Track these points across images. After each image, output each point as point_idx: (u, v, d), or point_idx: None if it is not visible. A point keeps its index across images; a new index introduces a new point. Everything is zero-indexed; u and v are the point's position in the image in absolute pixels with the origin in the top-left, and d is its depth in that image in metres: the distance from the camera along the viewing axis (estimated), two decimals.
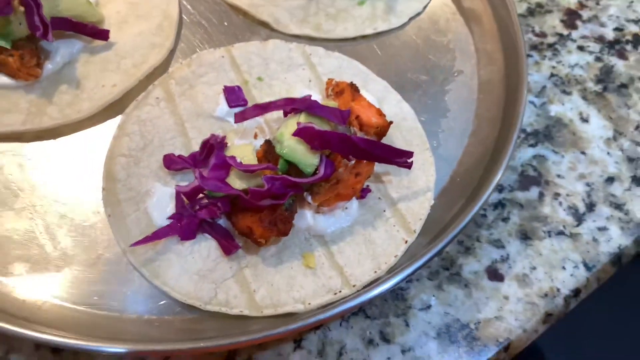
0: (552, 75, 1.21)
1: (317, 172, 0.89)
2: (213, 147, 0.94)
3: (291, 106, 0.96)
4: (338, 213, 0.94)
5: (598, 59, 1.24)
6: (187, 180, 0.97)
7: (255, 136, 1.02)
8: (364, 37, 1.19)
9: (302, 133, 0.90)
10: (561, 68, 1.22)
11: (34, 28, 0.99)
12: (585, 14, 1.31)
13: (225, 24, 1.17)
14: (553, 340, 0.87)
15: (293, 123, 0.93)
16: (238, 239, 0.91)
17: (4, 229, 0.92)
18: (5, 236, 0.92)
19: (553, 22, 1.29)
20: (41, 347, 0.87)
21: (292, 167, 0.91)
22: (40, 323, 0.83)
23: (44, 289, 0.88)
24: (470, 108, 1.12)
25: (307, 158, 0.89)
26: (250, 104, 1.05)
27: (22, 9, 0.99)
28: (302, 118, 0.93)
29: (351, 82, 1.03)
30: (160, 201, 0.94)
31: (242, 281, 0.88)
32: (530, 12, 1.30)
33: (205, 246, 0.91)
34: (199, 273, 0.89)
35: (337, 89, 1.04)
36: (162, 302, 0.88)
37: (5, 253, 0.90)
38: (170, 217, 0.91)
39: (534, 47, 1.25)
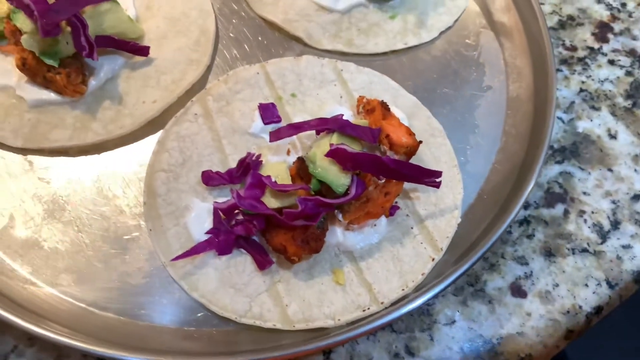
0: (581, 90, 1.22)
1: (349, 192, 0.93)
2: (249, 165, 0.98)
3: (324, 126, 0.99)
4: (367, 230, 0.98)
5: (629, 74, 1.24)
6: (224, 195, 1.01)
7: (288, 152, 1.06)
8: (394, 51, 1.22)
9: (334, 154, 0.93)
10: (590, 83, 1.23)
11: (80, 48, 1.04)
12: (617, 26, 1.30)
13: (260, 38, 1.21)
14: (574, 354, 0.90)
15: (325, 143, 0.97)
16: (272, 254, 0.96)
17: (53, 241, 0.98)
18: (54, 248, 0.98)
19: (584, 35, 1.29)
20: (88, 356, 0.93)
21: (324, 186, 0.95)
22: (85, 333, 0.89)
23: (89, 300, 0.94)
24: (499, 124, 1.14)
25: (339, 178, 0.93)
26: (283, 120, 1.09)
27: (68, 29, 1.04)
28: (334, 139, 0.96)
29: (382, 101, 1.06)
30: (199, 216, 0.99)
31: (275, 295, 0.93)
32: (562, 25, 1.31)
33: (241, 261, 0.96)
34: (234, 287, 0.94)
35: (368, 107, 1.07)
36: (200, 315, 0.93)
37: (54, 265, 0.97)
38: (208, 232, 0.96)
39: (564, 61, 1.26)
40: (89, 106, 1.09)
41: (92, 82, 1.10)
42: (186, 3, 1.21)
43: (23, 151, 1.06)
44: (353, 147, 0.96)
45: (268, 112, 1.09)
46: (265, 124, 1.08)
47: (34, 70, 1.05)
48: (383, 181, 0.97)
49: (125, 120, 1.08)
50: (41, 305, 0.93)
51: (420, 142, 1.01)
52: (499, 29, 1.25)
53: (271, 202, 0.93)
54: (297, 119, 1.10)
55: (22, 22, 1.02)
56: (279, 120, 1.09)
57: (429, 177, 0.96)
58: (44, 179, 1.04)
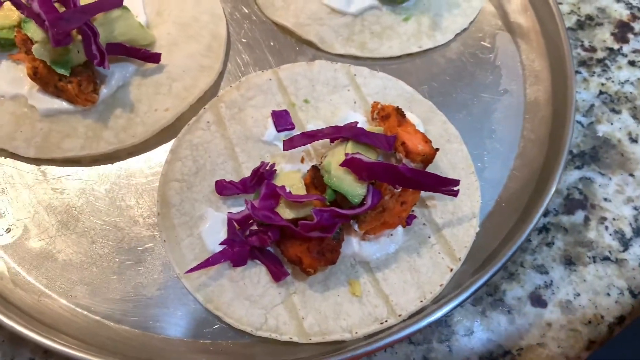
0: (600, 92, 1.19)
1: (365, 202, 0.91)
2: (263, 175, 0.97)
3: (338, 134, 0.98)
4: (383, 239, 0.97)
5: None
6: (238, 204, 1.00)
7: (302, 160, 1.04)
8: (408, 55, 1.20)
9: (349, 164, 0.92)
10: (610, 85, 1.20)
11: (91, 57, 1.03)
12: (637, 26, 1.27)
13: (272, 43, 1.19)
14: None
15: (340, 151, 0.95)
16: (287, 266, 0.94)
17: (67, 252, 0.98)
18: (68, 259, 0.97)
19: (603, 36, 1.26)
20: None
21: (339, 195, 0.94)
22: (100, 346, 0.89)
23: (103, 313, 0.94)
24: (516, 129, 1.12)
25: (354, 188, 0.91)
26: (297, 127, 1.08)
27: (79, 37, 1.03)
28: (349, 147, 0.95)
29: (397, 107, 1.04)
30: (213, 227, 0.98)
31: (291, 307, 0.92)
32: (580, 26, 1.28)
33: (256, 272, 0.95)
34: (249, 298, 0.93)
35: (383, 113, 1.05)
36: (215, 327, 0.92)
37: (68, 277, 0.96)
38: (222, 243, 0.95)
39: (583, 62, 1.23)
40: (101, 114, 1.08)
41: (104, 91, 1.09)
42: (197, 7, 1.19)
43: (36, 161, 1.05)
44: (368, 156, 0.94)
45: (281, 120, 1.07)
46: (279, 131, 1.07)
47: (46, 79, 1.04)
48: (399, 190, 0.95)
49: (137, 129, 1.07)
50: (56, 318, 0.93)
51: (437, 149, 0.99)
52: (515, 31, 1.23)
53: (286, 212, 0.92)
54: (311, 125, 1.08)
55: (33, 31, 1.01)
56: (292, 128, 1.08)
57: (447, 186, 0.94)
58: (57, 189, 1.03)
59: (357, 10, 1.21)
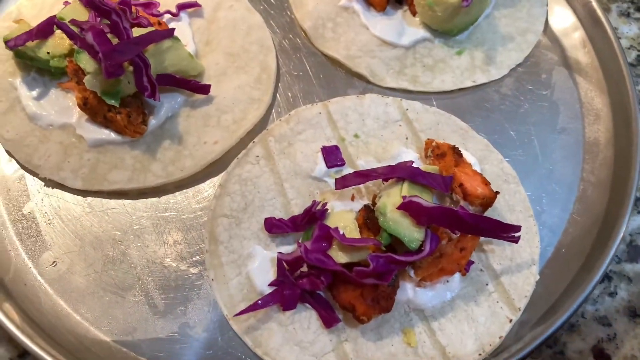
0: None
1: (423, 248, 0.87)
2: (315, 215, 0.94)
3: (393, 175, 0.95)
4: (439, 286, 0.93)
5: None
6: (287, 242, 0.97)
7: (353, 198, 1.01)
8: (461, 89, 1.16)
9: (407, 207, 0.88)
10: None
11: (142, 88, 1.01)
12: None
13: (321, 76, 1.16)
14: None
15: (395, 193, 0.92)
16: (338, 311, 0.91)
17: (112, 289, 0.96)
18: (113, 296, 0.95)
19: None
20: None
21: (394, 238, 0.90)
22: None
23: (149, 354, 0.91)
24: (575, 170, 1.08)
25: (412, 232, 0.88)
26: (347, 163, 1.05)
27: (130, 68, 1.01)
28: (405, 189, 0.91)
29: (453, 146, 1.01)
30: (262, 266, 0.95)
31: (343, 356, 0.88)
32: None
33: (306, 316, 0.91)
34: (299, 344, 0.89)
35: (438, 152, 1.01)
36: None
37: (113, 314, 0.94)
38: (271, 284, 0.92)
39: None
40: (149, 146, 1.06)
41: (152, 121, 1.07)
42: (246, 38, 1.18)
43: (83, 192, 1.04)
44: (424, 197, 0.91)
45: (331, 156, 1.04)
46: (329, 167, 1.04)
47: (95, 109, 1.03)
48: (457, 235, 0.91)
49: (185, 162, 1.05)
50: (103, 357, 0.90)
51: (497, 192, 0.95)
52: (573, 66, 1.19)
53: (339, 256, 0.89)
54: (361, 161, 1.05)
55: (86, 62, 1.00)
56: (343, 164, 1.05)
57: (508, 232, 0.90)
58: (103, 222, 1.01)
59: (409, 43, 1.18)
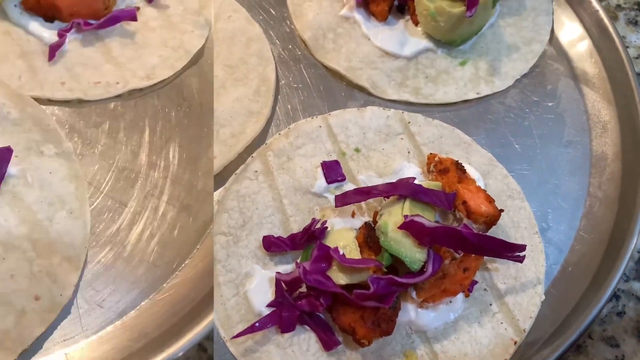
0: None
1: (425, 269, 0.85)
2: (314, 234, 0.92)
3: (394, 192, 0.92)
4: (442, 307, 0.90)
5: None
6: (286, 261, 0.95)
7: (353, 214, 0.99)
8: (465, 101, 1.13)
9: (409, 227, 0.86)
10: None
11: None
12: None
13: (321, 88, 1.14)
14: None
15: (397, 211, 0.89)
16: (338, 333, 0.89)
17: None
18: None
19: None
20: None
21: (396, 258, 0.88)
22: None
23: None
24: (582, 185, 1.05)
25: (414, 253, 0.85)
26: (348, 178, 1.02)
27: None
28: (407, 208, 0.89)
29: (457, 161, 0.98)
30: (260, 286, 0.92)
31: None
32: None
33: (305, 338, 0.89)
34: None
35: (441, 167, 0.99)
36: None
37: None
38: (270, 305, 0.90)
39: None
40: None
41: None
42: (245, 49, 1.15)
43: None
44: (426, 214, 0.89)
45: (332, 171, 1.02)
46: (329, 183, 1.01)
47: None
48: (460, 254, 0.89)
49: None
50: None
51: (502, 210, 0.92)
52: (579, 77, 1.16)
53: (339, 277, 0.86)
54: (362, 176, 1.03)
55: None
56: (344, 179, 1.02)
57: (513, 251, 0.88)
58: None
59: (411, 53, 1.16)
